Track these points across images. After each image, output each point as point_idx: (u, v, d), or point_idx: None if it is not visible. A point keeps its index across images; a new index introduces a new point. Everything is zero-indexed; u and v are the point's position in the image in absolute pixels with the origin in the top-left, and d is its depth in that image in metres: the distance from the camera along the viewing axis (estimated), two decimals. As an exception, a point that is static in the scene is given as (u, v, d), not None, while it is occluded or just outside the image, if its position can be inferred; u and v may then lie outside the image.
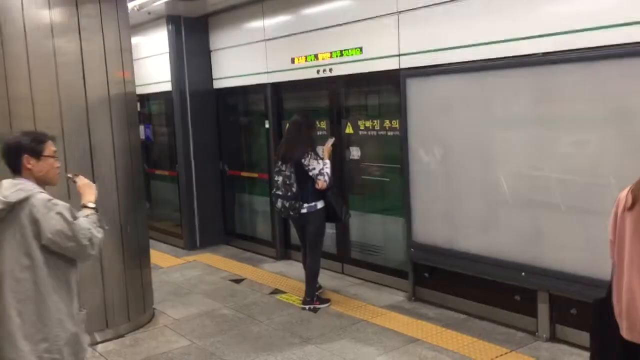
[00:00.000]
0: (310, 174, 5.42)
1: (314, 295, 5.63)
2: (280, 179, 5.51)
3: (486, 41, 4.73)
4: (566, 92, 4.27)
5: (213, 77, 8.05)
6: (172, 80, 7.92)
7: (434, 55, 5.16)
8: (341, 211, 5.57)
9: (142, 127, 8.61)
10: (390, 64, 5.53)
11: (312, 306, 5.58)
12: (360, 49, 5.85)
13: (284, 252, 7.42)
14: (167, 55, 7.93)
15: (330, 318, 5.35)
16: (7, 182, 2.81)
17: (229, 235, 8.31)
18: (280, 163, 5.57)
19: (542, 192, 4.52)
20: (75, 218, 2.79)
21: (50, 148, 2.90)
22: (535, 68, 4.46)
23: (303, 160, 5.42)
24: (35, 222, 2.71)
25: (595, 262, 3.95)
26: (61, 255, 2.79)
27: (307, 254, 5.70)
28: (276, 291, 6.17)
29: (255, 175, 7.83)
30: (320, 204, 5.50)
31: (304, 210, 5.46)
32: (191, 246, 8.12)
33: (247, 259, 7.54)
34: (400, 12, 5.40)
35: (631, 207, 2.40)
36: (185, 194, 8.03)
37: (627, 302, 2.46)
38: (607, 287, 2.66)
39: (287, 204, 5.46)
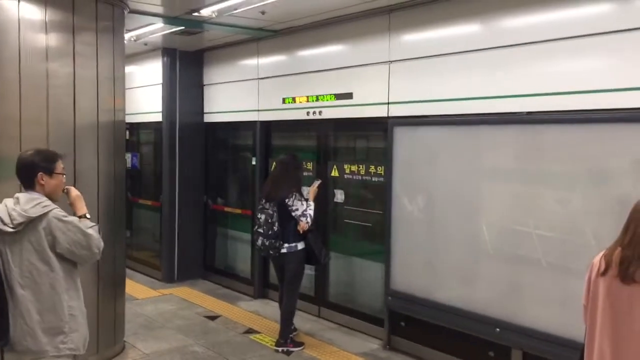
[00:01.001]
0: (293, 214, 5.43)
1: (287, 337, 5.56)
2: (263, 217, 5.51)
3: (473, 96, 4.83)
4: (548, 151, 4.35)
5: (204, 111, 8.10)
6: (163, 111, 7.96)
7: (422, 106, 5.24)
8: (320, 254, 5.55)
9: (129, 155, 8.61)
10: (379, 112, 5.61)
11: (285, 348, 5.50)
12: (351, 94, 5.94)
13: (262, 290, 7.35)
14: (160, 86, 7.99)
15: (302, 362, 5.28)
16: (23, 197, 3.10)
17: (208, 270, 8.23)
18: (264, 201, 5.57)
19: (521, 247, 4.54)
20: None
21: (60, 166, 3.23)
22: (519, 126, 4.55)
23: (287, 201, 5.43)
24: (51, 234, 3.06)
25: (571, 322, 3.94)
26: (70, 260, 3.16)
27: (284, 294, 5.65)
28: (250, 330, 6.09)
29: (238, 211, 7.80)
30: (300, 245, 5.48)
31: (284, 250, 5.44)
32: (169, 278, 8.02)
33: (223, 296, 7.45)
34: (391, 61, 5.51)
35: (604, 273, 2.43)
36: (167, 225, 7.98)
37: (597, 367, 2.46)
38: (580, 351, 2.66)
39: (267, 243, 5.44)
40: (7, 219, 3.03)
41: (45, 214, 3.05)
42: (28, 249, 3.06)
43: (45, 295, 3.09)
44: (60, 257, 3.11)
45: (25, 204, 3.06)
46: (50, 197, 3.17)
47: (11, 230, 3.03)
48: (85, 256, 3.16)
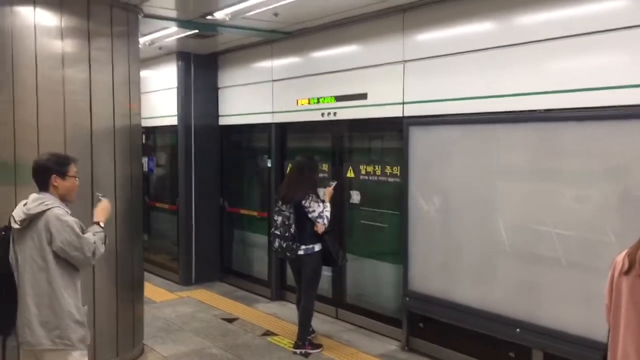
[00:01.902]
0: (310, 216, 5.42)
1: (306, 340, 5.55)
2: (280, 219, 5.50)
3: (490, 95, 4.79)
4: (566, 148, 4.30)
5: (219, 114, 8.13)
6: (178, 115, 8.00)
7: (437, 106, 5.21)
8: (337, 255, 5.54)
9: (145, 159, 8.66)
10: (394, 112, 5.58)
11: (303, 350, 5.49)
12: (365, 94, 5.92)
13: (279, 292, 7.35)
14: (175, 90, 8.03)
15: (321, 364, 5.27)
16: (32, 197, 3.36)
17: (225, 272, 8.25)
18: (280, 203, 5.57)
19: (540, 246, 4.49)
20: (83, 232, 3.33)
21: (73, 169, 3.45)
22: (536, 124, 4.49)
23: (304, 202, 5.42)
24: (49, 231, 3.25)
25: (592, 322, 3.89)
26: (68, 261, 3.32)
27: (302, 296, 5.65)
28: (268, 333, 6.09)
29: (254, 213, 7.81)
30: (317, 247, 5.47)
31: (300, 252, 5.44)
32: (186, 281, 8.06)
33: (241, 298, 7.46)
34: (406, 61, 5.48)
35: (627, 272, 2.38)
36: (184, 228, 8.01)
37: (621, 368, 2.42)
38: (602, 351, 2.62)
39: (284, 245, 5.44)
40: (16, 217, 3.31)
41: (44, 212, 3.25)
42: (30, 245, 3.29)
43: (43, 290, 3.28)
44: (57, 256, 3.28)
45: (31, 203, 3.31)
46: (64, 198, 3.41)
47: (18, 227, 3.30)
48: (77, 258, 3.29)
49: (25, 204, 3.33)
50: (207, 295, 7.55)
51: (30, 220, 3.28)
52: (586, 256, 4.18)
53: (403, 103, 5.52)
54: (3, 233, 3.39)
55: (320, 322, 6.25)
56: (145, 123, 7.90)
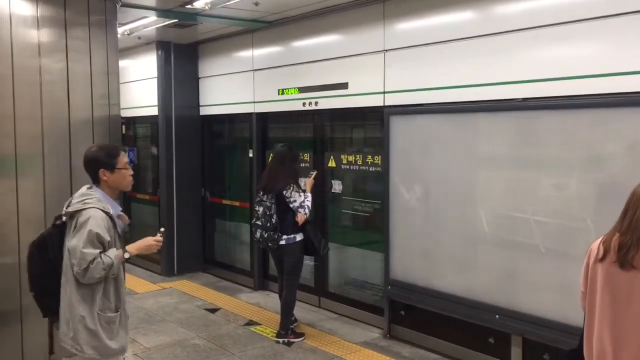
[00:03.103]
0: (291, 206, 5.42)
1: (288, 329, 5.57)
2: (261, 209, 5.50)
3: (469, 84, 4.82)
4: (544, 137, 4.34)
5: (200, 103, 8.07)
6: (158, 105, 7.93)
7: (418, 95, 5.23)
8: (319, 245, 5.55)
9: (126, 150, 8.58)
10: (375, 101, 5.59)
11: (286, 339, 5.51)
12: (347, 84, 5.92)
13: (262, 282, 7.36)
14: (156, 80, 7.95)
15: (303, 353, 5.29)
16: (80, 191, 3.22)
17: (207, 263, 8.24)
18: (261, 193, 5.56)
19: (519, 233, 4.55)
20: (99, 243, 3.06)
21: (122, 160, 3.27)
22: (515, 112, 4.53)
23: (285, 192, 5.42)
24: (74, 229, 3.11)
25: (570, 307, 3.94)
26: None
27: (284, 286, 5.66)
28: (251, 322, 6.10)
29: (236, 203, 7.80)
30: (299, 237, 5.48)
31: (282, 242, 5.44)
32: (168, 272, 8.03)
33: (224, 288, 7.46)
34: (386, 50, 5.48)
35: (602, 259, 2.42)
36: (166, 219, 7.97)
37: (597, 354, 2.47)
38: (579, 337, 2.66)
39: (265, 235, 5.44)
40: (64, 209, 3.21)
41: (80, 210, 3.10)
42: (67, 240, 3.18)
43: (66, 289, 3.16)
44: None
45: (76, 198, 3.19)
46: (115, 190, 3.28)
47: (64, 220, 3.20)
48: (72, 267, 3.07)
49: (73, 197, 3.25)
50: (190, 286, 7.53)
51: (71, 216, 3.15)
52: (564, 243, 4.23)
53: (384, 92, 5.53)
54: (55, 223, 3.29)
55: (303, 311, 6.28)
56: (125, 113, 7.86)
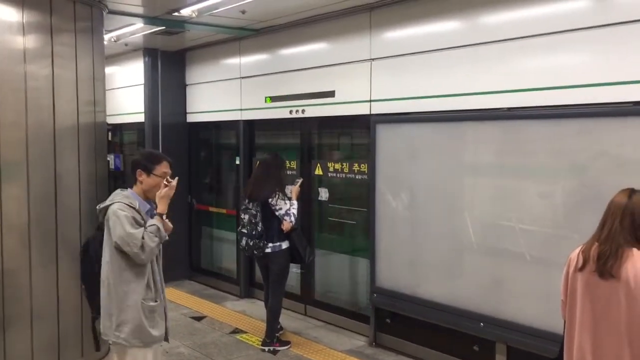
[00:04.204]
0: (277, 214, 5.42)
1: (274, 337, 5.56)
2: (247, 217, 5.49)
3: (455, 93, 4.85)
4: (529, 146, 4.38)
5: (187, 111, 8.06)
6: (145, 112, 7.91)
7: (404, 103, 5.26)
8: (305, 253, 5.55)
9: (112, 157, 8.54)
10: (362, 109, 5.62)
11: (271, 348, 5.50)
12: (333, 92, 5.94)
13: (248, 290, 7.34)
14: (142, 86, 7.93)
15: (289, 361, 5.28)
16: (115, 192, 3.46)
17: (194, 271, 8.20)
18: (247, 201, 5.56)
19: (504, 242, 4.58)
20: (141, 225, 3.29)
21: (162, 169, 3.41)
22: (500, 122, 4.57)
23: (270, 200, 5.42)
24: (109, 226, 3.31)
25: (554, 316, 3.94)
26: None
27: (270, 294, 5.65)
28: (237, 330, 6.08)
29: (223, 211, 7.78)
30: (285, 244, 5.48)
31: (268, 250, 5.44)
32: (154, 280, 7.97)
33: (209, 296, 7.43)
34: (373, 59, 5.51)
35: (582, 268, 2.45)
36: (151, 226, 7.92)
37: (577, 361, 2.49)
38: (559, 346, 2.69)
39: (251, 243, 5.43)
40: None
41: (108, 206, 3.34)
42: (103, 238, 3.38)
43: (107, 282, 3.34)
44: (118, 250, 3.28)
45: (109, 198, 3.43)
46: (147, 195, 3.43)
47: (101, 220, 3.42)
48: (130, 253, 3.25)
49: None
50: (176, 294, 7.49)
51: (103, 214, 3.36)
52: (549, 251, 4.26)
53: (370, 101, 5.56)
54: (98, 225, 3.54)
55: (288, 319, 6.27)
56: (112, 120, 7.81)
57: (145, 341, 3.34)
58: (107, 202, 3.39)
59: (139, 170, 3.41)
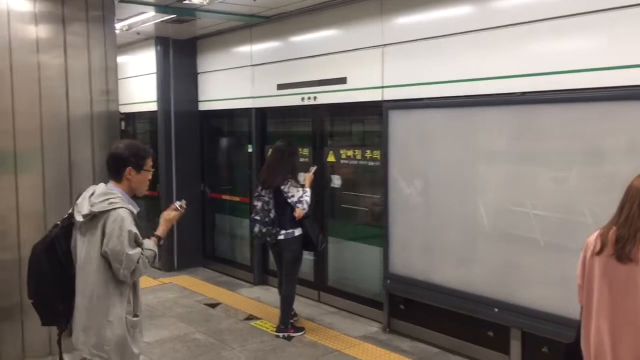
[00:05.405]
0: (289, 201, 5.43)
1: (288, 323, 5.59)
2: (259, 204, 5.51)
3: (468, 78, 4.81)
4: (544, 131, 4.34)
5: (199, 99, 8.07)
6: (157, 101, 7.93)
7: (417, 89, 5.22)
8: (317, 240, 5.55)
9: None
10: (374, 95, 5.59)
11: (286, 334, 5.53)
12: (345, 79, 5.91)
13: (262, 277, 7.38)
14: (154, 75, 7.95)
15: (303, 347, 5.31)
16: (100, 189, 3.07)
17: (207, 258, 8.25)
18: (260, 188, 5.57)
19: (518, 227, 4.55)
20: (137, 244, 3.00)
21: (149, 163, 3.17)
22: (514, 106, 4.53)
23: (283, 187, 5.42)
24: (104, 233, 2.96)
25: (569, 301, 3.94)
26: None
27: (283, 281, 5.67)
28: (251, 317, 6.12)
29: (236, 198, 7.81)
30: (297, 231, 5.49)
31: (280, 237, 5.45)
32: (169, 268, 8.04)
33: (224, 283, 7.48)
34: (385, 45, 5.48)
35: (599, 252, 2.43)
36: (165, 214, 7.96)
37: (595, 346, 2.48)
38: (576, 330, 2.67)
39: (264, 230, 5.45)
40: (80, 208, 3.04)
41: (108, 211, 2.97)
42: (86, 242, 3.03)
43: (88, 293, 3.03)
44: (105, 258, 2.98)
45: (97, 197, 3.02)
46: (133, 191, 3.15)
47: (81, 220, 3.02)
48: (116, 270, 2.98)
49: (92, 194, 3.04)
50: (190, 281, 7.55)
51: (93, 216, 2.99)
52: (564, 237, 4.24)
53: (382, 87, 5.53)
54: (61, 224, 3.16)
55: (302, 306, 6.30)
56: (125, 109, 7.86)
57: (127, 358, 3.07)
58: (106, 206, 2.98)
59: (129, 168, 3.08)
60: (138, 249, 3.00)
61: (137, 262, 2.98)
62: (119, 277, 2.98)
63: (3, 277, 4.59)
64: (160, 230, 3.22)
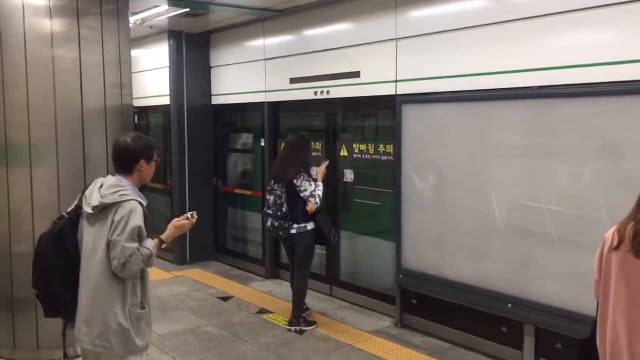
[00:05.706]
0: (302, 195, 5.42)
1: (300, 317, 5.59)
2: (272, 198, 5.51)
3: (482, 72, 4.77)
4: (559, 125, 4.30)
5: (212, 93, 8.09)
6: (170, 94, 7.95)
7: (430, 83, 5.19)
8: (330, 234, 5.55)
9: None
10: (387, 90, 5.57)
11: (298, 328, 5.54)
12: (358, 73, 5.89)
13: (274, 270, 7.39)
14: (167, 69, 7.97)
15: (315, 341, 5.31)
16: (108, 182, 3.08)
17: (220, 252, 8.28)
18: (272, 182, 5.57)
19: (532, 222, 4.52)
20: (139, 238, 3.01)
21: (156, 153, 3.24)
22: (530, 101, 4.49)
23: (295, 181, 5.42)
24: (112, 221, 2.97)
25: (583, 297, 3.92)
26: None
27: (295, 275, 5.68)
28: (263, 311, 6.13)
29: (248, 192, 7.82)
30: (310, 226, 5.48)
31: (293, 231, 5.45)
32: (181, 261, 8.08)
33: (236, 276, 7.50)
34: (398, 38, 5.44)
35: (617, 247, 2.40)
36: (178, 208, 8.00)
37: (610, 342, 2.45)
38: (591, 325, 2.65)
39: (276, 224, 5.45)
40: (89, 200, 3.04)
41: (119, 202, 2.98)
42: (94, 233, 3.03)
43: (92, 284, 3.02)
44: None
45: (106, 189, 3.03)
46: (142, 182, 3.21)
47: (90, 211, 3.02)
48: (112, 260, 2.96)
49: (101, 186, 3.05)
50: (202, 274, 7.58)
51: (103, 208, 2.99)
52: (577, 232, 4.20)
53: (396, 81, 5.50)
54: (68, 216, 3.15)
55: (314, 300, 6.30)
56: (138, 103, 7.86)
57: (129, 350, 3.05)
58: (116, 197, 2.99)
59: (142, 160, 3.12)
60: (135, 244, 2.98)
61: (130, 256, 2.94)
62: (115, 270, 2.96)
63: (18, 268, 4.63)
64: (166, 235, 3.23)
